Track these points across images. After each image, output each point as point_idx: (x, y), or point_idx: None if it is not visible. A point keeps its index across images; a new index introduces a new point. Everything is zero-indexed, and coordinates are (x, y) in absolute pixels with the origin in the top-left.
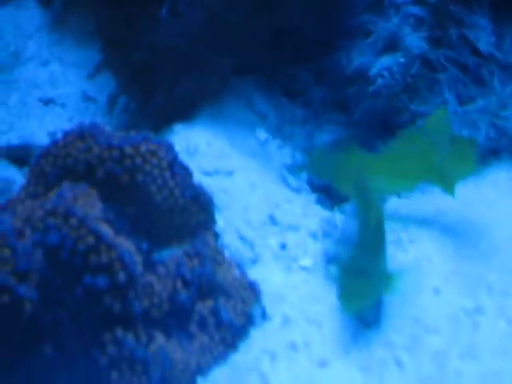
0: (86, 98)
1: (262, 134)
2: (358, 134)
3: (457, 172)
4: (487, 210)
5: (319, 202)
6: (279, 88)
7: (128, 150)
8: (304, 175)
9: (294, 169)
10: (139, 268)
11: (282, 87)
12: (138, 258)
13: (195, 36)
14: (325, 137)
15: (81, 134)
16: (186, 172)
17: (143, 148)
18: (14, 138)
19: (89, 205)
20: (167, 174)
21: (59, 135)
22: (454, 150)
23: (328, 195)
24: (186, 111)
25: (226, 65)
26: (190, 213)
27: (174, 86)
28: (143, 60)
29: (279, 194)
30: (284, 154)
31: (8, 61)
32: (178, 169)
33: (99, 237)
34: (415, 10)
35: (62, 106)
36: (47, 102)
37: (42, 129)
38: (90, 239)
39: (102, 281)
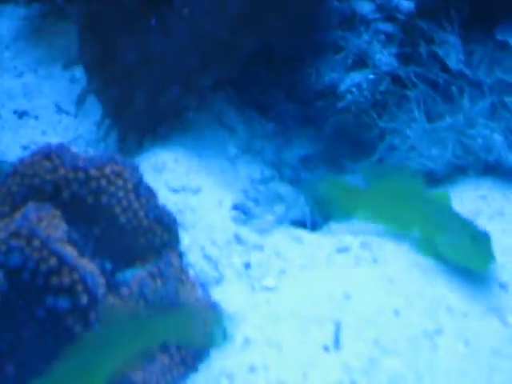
0: (60, 110)
1: (232, 150)
2: (328, 150)
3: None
4: None
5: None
6: (250, 103)
7: (93, 172)
8: (272, 189)
9: (261, 184)
10: (101, 290)
11: (252, 102)
12: (101, 280)
13: (182, 48)
14: (294, 151)
15: (48, 154)
16: (151, 193)
17: (108, 170)
18: None
19: (53, 226)
20: (132, 195)
21: (32, 149)
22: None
23: None
24: (160, 124)
25: (207, 81)
26: (154, 233)
27: (155, 96)
28: (126, 63)
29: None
30: (253, 170)
31: None
32: (142, 190)
33: (61, 259)
34: (385, 26)
35: (36, 118)
36: (21, 114)
37: (16, 142)
38: (53, 261)
39: (63, 303)
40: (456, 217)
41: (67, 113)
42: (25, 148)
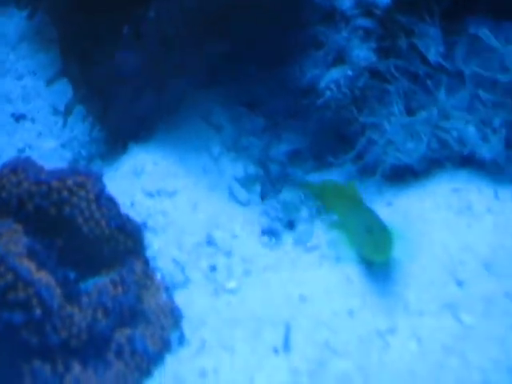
0: (56, 112)
1: (216, 149)
2: (313, 145)
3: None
4: (422, 225)
5: (265, 213)
6: (239, 100)
7: (55, 184)
8: (257, 187)
9: (245, 181)
10: (57, 301)
11: (242, 98)
12: (57, 292)
13: (153, 56)
14: (282, 147)
15: (14, 167)
16: (113, 202)
17: (70, 181)
18: None
19: (13, 241)
20: (94, 205)
21: (27, 152)
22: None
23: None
24: (141, 128)
25: (181, 84)
26: (117, 241)
27: (130, 102)
28: (103, 74)
29: (222, 213)
30: (237, 168)
31: None
32: (104, 200)
33: (17, 274)
34: (364, 22)
35: (32, 120)
36: (18, 117)
37: (11, 145)
38: (9, 277)
39: (18, 317)
40: (364, 211)
41: (63, 115)
42: (20, 151)
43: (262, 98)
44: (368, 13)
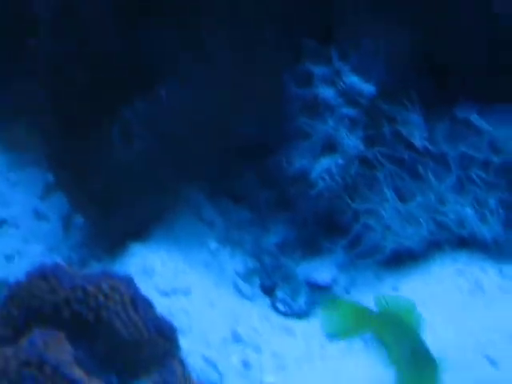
0: (38, 216)
1: (213, 244)
2: (304, 236)
3: None
4: (438, 309)
5: (273, 306)
6: (225, 193)
7: (90, 289)
8: (256, 280)
9: (247, 276)
10: None
11: (227, 192)
12: None
13: (149, 156)
14: (272, 239)
15: (43, 274)
16: (148, 304)
17: (105, 285)
18: None
19: (60, 350)
20: (130, 308)
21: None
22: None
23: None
24: (141, 229)
25: (180, 183)
26: (155, 344)
27: (131, 207)
28: (99, 183)
29: (237, 307)
30: (236, 262)
31: None
32: (140, 302)
33: (73, 383)
34: (349, 111)
35: (16, 226)
36: (0, 223)
37: None
38: None
39: None
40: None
41: (46, 218)
42: (8, 258)
43: (248, 190)
44: (352, 101)
